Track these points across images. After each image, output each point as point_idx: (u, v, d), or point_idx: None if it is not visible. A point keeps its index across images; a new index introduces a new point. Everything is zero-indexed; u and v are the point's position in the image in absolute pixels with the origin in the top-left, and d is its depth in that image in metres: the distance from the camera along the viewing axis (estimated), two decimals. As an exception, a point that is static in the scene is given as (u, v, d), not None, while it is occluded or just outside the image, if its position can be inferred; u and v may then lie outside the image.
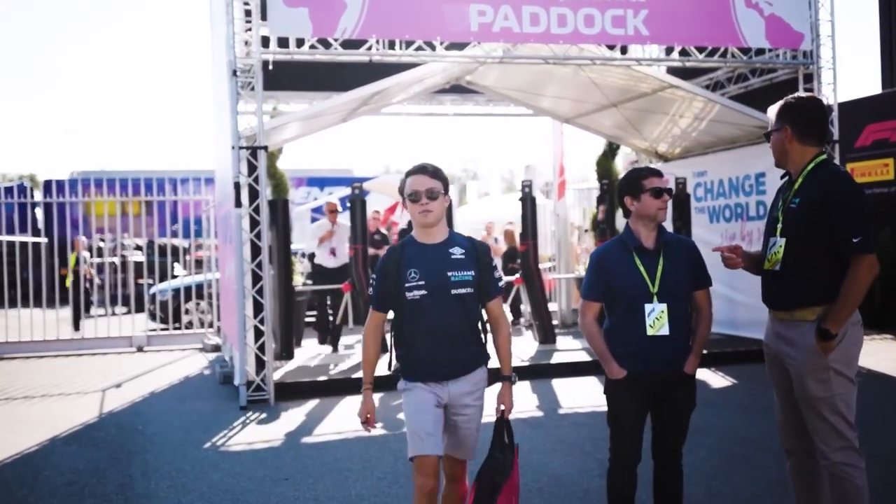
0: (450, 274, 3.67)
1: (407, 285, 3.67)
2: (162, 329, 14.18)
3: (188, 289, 14.31)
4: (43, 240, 15.49)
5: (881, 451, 5.90)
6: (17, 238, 14.90)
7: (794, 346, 3.68)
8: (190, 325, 14.18)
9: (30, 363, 12.09)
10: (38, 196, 22.67)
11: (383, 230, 13.77)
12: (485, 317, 3.88)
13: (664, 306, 3.78)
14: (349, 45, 8.91)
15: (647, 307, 3.77)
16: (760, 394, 4.19)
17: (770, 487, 5.26)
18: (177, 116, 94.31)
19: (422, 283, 3.66)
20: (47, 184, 21.53)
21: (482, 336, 3.83)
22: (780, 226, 3.78)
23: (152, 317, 14.90)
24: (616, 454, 3.93)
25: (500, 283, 3.85)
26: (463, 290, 3.68)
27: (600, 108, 12.33)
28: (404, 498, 5.25)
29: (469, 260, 3.72)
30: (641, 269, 3.83)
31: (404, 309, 3.73)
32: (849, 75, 72.28)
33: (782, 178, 3.88)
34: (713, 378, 9.29)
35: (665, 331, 3.77)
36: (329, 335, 11.61)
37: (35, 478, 6.06)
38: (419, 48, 9.06)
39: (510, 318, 13.36)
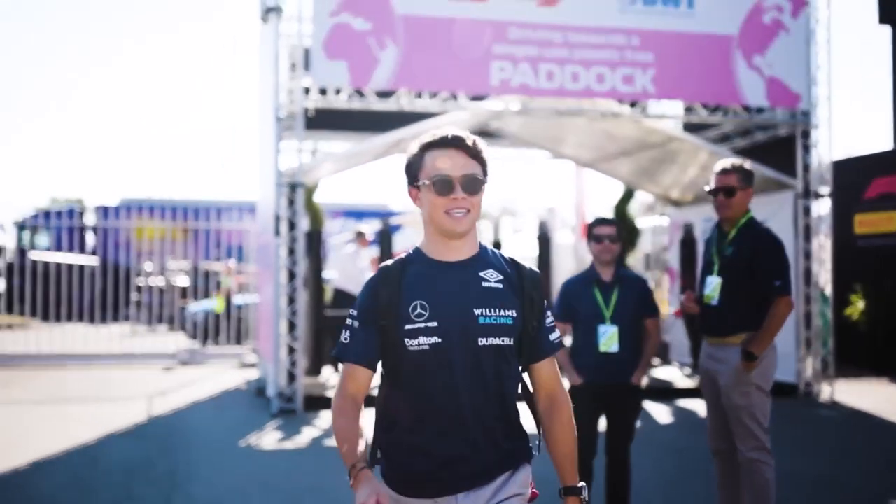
0: (478, 312, 2.29)
1: (408, 327, 2.29)
2: (200, 346, 15.22)
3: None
4: (92, 260, 16.69)
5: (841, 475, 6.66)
6: (72, 259, 16.15)
7: (724, 364, 4.56)
8: (227, 342, 15.21)
9: (80, 372, 13.14)
10: (88, 219, 24.30)
11: None
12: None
13: (615, 328, 4.68)
14: (382, 94, 9.96)
15: (601, 328, 4.68)
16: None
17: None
18: (223, 148, 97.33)
19: (433, 324, 2.28)
20: (99, 209, 22.98)
21: (520, 418, 2.43)
22: (716, 267, 4.66)
23: (191, 335, 15.95)
24: (575, 449, 4.80)
25: (555, 338, 2.47)
26: (498, 341, 2.30)
27: (616, 155, 13.23)
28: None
29: (510, 292, 2.35)
30: (599, 297, 4.73)
31: (400, 367, 2.33)
32: (862, 130, 74.17)
33: (714, 228, 4.77)
34: (701, 406, 10.02)
35: (615, 348, 4.68)
36: None
37: (95, 463, 7.06)
38: (445, 99, 10.09)
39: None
